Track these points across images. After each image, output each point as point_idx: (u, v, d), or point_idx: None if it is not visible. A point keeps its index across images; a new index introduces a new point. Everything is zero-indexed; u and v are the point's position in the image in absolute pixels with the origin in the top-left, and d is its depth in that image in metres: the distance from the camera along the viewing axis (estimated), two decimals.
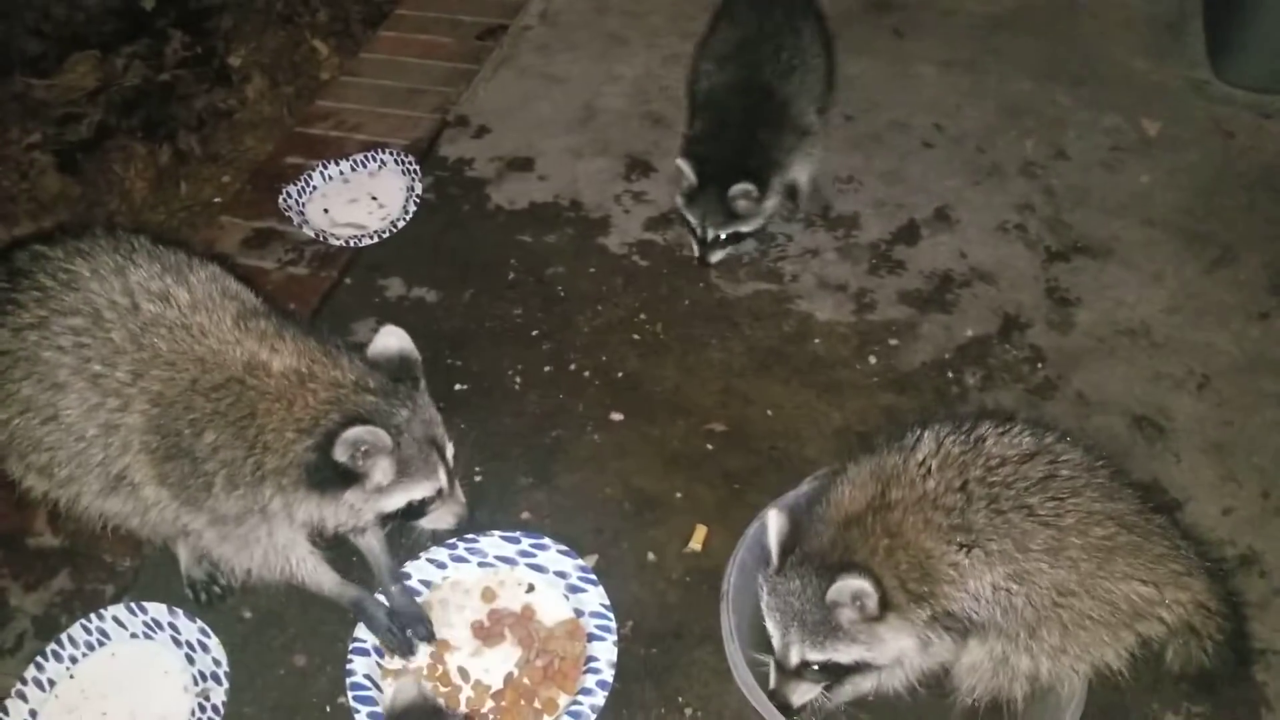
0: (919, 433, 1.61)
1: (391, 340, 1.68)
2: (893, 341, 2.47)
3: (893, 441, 1.63)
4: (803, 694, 1.60)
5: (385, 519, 1.66)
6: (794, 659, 1.56)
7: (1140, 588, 1.53)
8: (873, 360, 2.43)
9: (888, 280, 2.63)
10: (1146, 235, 2.73)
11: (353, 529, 1.68)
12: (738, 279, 2.64)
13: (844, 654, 1.53)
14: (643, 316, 2.54)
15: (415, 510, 1.66)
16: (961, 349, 2.45)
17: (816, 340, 2.47)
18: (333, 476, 1.55)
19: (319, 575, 1.76)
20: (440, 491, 1.67)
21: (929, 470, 1.55)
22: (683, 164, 2.51)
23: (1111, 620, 1.54)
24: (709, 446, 2.23)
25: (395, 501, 1.62)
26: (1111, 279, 2.62)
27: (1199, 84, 3.17)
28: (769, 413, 2.30)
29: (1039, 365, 2.41)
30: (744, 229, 2.57)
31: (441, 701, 1.74)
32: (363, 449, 1.53)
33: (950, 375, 2.39)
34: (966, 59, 3.31)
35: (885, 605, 1.49)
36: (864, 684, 1.65)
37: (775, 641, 1.59)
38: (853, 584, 1.47)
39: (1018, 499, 1.52)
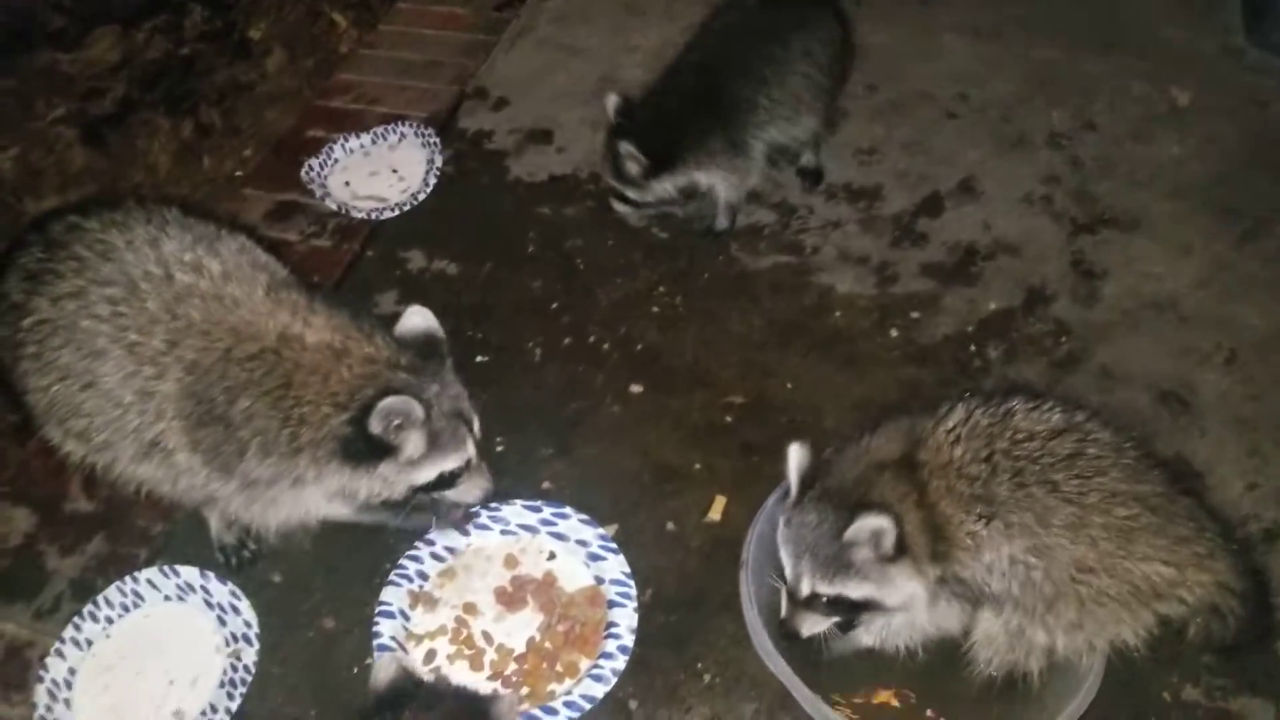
0: (953, 403, 1.61)
1: (418, 319, 1.73)
2: (914, 314, 2.45)
3: (925, 412, 1.64)
4: (811, 625, 1.63)
5: (416, 491, 1.70)
6: (804, 590, 1.59)
7: (1161, 568, 1.53)
8: (894, 333, 2.41)
9: (910, 253, 2.60)
10: (1175, 207, 2.68)
11: (384, 500, 1.72)
12: (758, 251, 2.62)
13: (854, 590, 1.55)
14: (662, 289, 2.54)
15: (445, 482, 1.71)
16: (984, 322, 2.43)
17: (837, 313, 2.46)
18: (367, 449, 1.60)
19: (335, 507, 1.80)
20: (469, 463, 1.73)
21: (957, 438, 1.56)
22: (610, 100, 2.41)
23: (1130, 599, 1.54)
24: (728, 419, 2.24)
25: (426, 474, 1.68)
26: (1139, 252, 2.58)
27: (1233, 51, 3.09)
28: (788, 385, 2.30)
29: (1063, 339, 2.39)
30: (629, 194, 2.47)
31: (423, 675, 1.71)
32: (396, 422, 1.58)
33: (973, 348, 2.37)
34: (993, 27, 3.24)
35: (901, 548, 1.50)
36: (866, 637, 1.68)
37: (787, 572, 1.61)
38: (873, 521, 1.48)
39: (1042, 474, 1.52)
